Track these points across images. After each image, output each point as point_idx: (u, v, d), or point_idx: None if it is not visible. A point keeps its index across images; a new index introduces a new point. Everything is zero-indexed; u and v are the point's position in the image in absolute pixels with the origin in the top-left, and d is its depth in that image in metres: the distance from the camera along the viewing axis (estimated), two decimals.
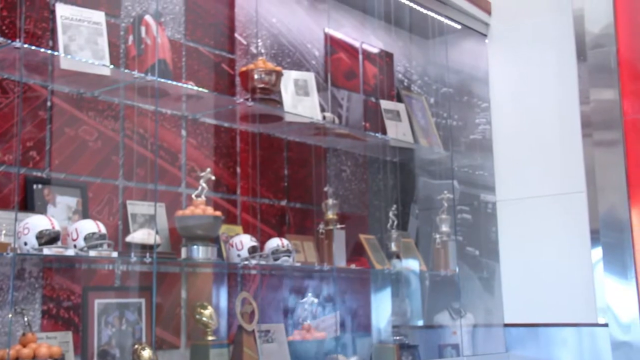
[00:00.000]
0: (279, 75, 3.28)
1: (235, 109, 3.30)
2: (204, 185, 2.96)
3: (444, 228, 4.00)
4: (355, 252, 3.72)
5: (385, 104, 4.03)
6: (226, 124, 3.39)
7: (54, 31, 2.68)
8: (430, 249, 4.05)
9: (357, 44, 4.16)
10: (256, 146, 3.42)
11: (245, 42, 3.53)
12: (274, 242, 3.26)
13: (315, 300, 3.48)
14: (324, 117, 3.52)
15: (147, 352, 2.62)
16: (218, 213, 2.97)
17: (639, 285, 3.60)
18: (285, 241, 3.28)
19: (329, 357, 3.34)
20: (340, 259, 3.49)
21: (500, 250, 4.16)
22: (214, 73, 3.36)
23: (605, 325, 3.67)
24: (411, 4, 4.05)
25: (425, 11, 4.12)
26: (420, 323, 4.09)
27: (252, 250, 3.10)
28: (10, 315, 2.43)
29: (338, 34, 4.04)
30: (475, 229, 4.24)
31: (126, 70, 2.81)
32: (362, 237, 3.79)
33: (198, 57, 3.30)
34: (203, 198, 2.96)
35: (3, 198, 2.54)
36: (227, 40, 3.46)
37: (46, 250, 2.41)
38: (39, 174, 2.68)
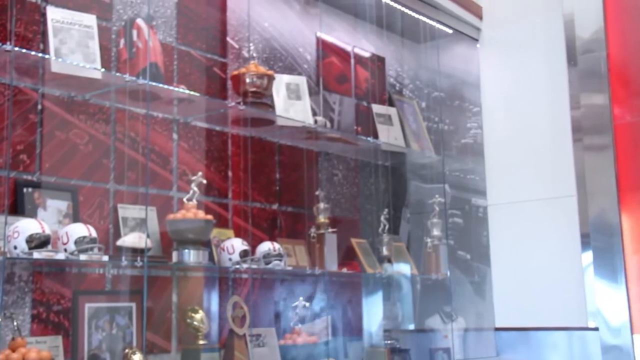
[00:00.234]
0: (270, 79, 3.28)
1: (227, 112, 3.30)
2: (196, 189, 2.96)
3: (435, 232, 4.01)
4: (347, 256, 3.73)
5: (376, 108, 4.04)
6: (218, 128, 3.39)
7: (44, 34, 2.67)
8: (421, 253, 4.05)
9: (349, 48, 4.17)
10: (248, 150, 3.41)
11: (237, 46, 3.53)
12: (266, 246, 3.25)
13: (307, 304, 3.47)
14: (316, 121, 3.52)
15: (137, 357, 2.61)
16: (209, 217, 2.97)
17: (629, 289, 3.61)
18: (276, 245, 3.28)
19: None
20: (331, 263, 3.49)
21: (491, 254, 4.17)
22: (205, 77, 3.36)
23: (596, 329, 3.68)
24: (403, 9, 4.06)
25: (417, 15, 4.14)
26: (412, 327, 4.09)
27: (244, 254, 3.10)
28: None
29: (330, 38, 4.05)
30: (466, 233, 4.25)
31: (117, 74, 2.80)
32: (353, 241, 3.79)
33: (190, 61, 3.30)
34: (194, 202, 2.95)
35: None
36: (219, 43, 3.46)
37: (36, 254, 2.39)
38: (29, 177, 2.67)
